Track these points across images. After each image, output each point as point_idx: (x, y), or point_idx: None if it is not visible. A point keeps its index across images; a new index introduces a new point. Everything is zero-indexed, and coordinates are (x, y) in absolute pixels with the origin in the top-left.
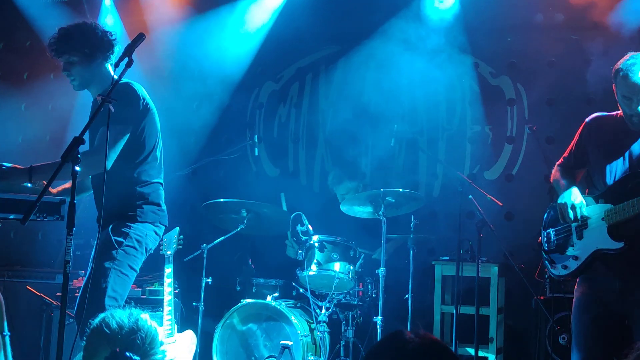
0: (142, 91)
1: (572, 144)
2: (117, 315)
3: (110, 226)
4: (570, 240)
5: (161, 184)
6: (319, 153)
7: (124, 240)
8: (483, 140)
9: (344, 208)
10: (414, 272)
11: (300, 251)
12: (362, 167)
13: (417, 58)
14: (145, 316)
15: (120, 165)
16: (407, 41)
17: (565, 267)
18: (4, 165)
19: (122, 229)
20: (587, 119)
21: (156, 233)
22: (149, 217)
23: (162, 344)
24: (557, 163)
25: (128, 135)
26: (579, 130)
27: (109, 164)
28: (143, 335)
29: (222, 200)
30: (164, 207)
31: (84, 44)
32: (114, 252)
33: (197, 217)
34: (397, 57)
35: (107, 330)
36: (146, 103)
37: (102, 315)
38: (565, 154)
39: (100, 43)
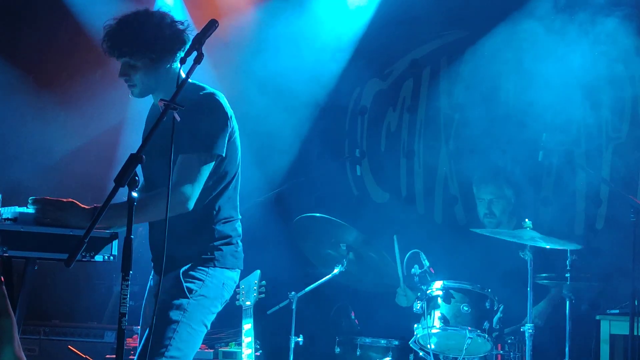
0: (228, 106)
1: None
2: None
3: (182, 270)
4: None
5: (240, 219)
6: (440, 172)
7: (197, 289)
8: None
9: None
10: (571, 330)
11: (418, 301)
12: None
13: (571, 45)
14: None
15: (198, 198)
16: (557, 23)
17: None
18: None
19: (196, 274)
20: None
21: (234, 280)
22: (228, 262)
23: None
24: None
25: (213, 164)
26: None
27: (192, 203)
28: None
29: (317, 215)
30: (242, 247)
31: (151, 47)
32: (184, 301)
33: (283, 256)
34: (543, 45)
35: None
36: (232, 124)
37: None
38: None
39: (170, 43)
